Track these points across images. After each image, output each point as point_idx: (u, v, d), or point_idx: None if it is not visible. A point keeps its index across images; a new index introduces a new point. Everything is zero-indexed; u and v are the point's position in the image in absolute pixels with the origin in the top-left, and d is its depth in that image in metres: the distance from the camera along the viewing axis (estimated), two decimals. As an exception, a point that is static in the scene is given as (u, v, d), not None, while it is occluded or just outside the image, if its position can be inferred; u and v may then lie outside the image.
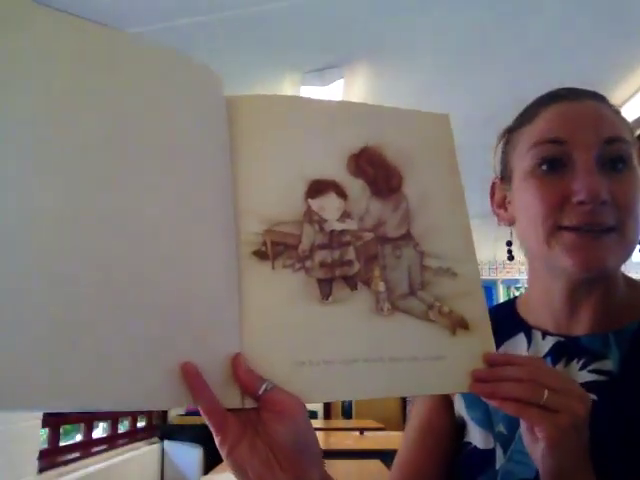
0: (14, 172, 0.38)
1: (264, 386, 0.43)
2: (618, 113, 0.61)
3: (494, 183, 0.70)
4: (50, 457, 2.66)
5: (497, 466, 0.60)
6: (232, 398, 0.43)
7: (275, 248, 0.48)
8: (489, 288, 5.95)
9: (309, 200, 0.50)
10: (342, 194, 0.52)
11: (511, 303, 0.72)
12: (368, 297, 0.49)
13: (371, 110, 0.57)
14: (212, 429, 0.43)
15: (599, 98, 0.62)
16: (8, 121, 0.38)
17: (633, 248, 0.58)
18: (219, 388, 0.42)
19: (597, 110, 0.59)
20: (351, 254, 0.51)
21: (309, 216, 0.50)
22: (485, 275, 5.88)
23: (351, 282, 0.50)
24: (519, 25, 2.26)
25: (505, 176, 0.66)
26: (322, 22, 2.16)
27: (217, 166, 0.48)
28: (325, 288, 0.49)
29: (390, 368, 0.48)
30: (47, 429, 2.72)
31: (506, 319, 0.69)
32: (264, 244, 0.48)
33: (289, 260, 0.48)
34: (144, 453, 3.66)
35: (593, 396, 0.56)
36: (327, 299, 0.48)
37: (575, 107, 0.60)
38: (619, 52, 2.51)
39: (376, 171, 0.54)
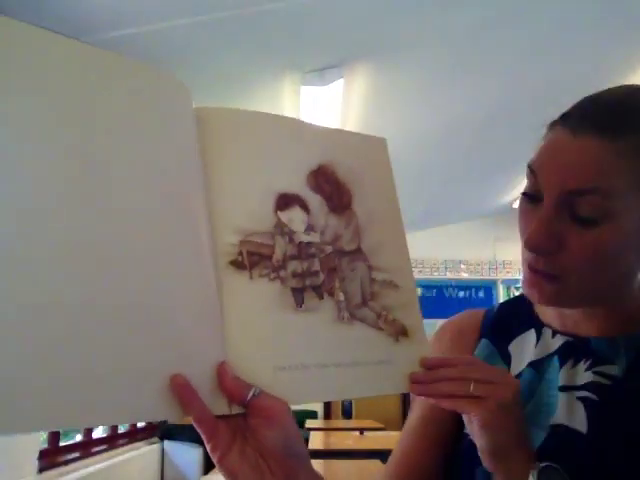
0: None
1: (251, 392, 0.45)
2: (623, 151, 0.53)
3: None
4: (50, 457, 2.66)
5: None
6: (220, 405, 0.44)
7: (251, 258, 0.50)
8: (489, 288, 5.95)
9: (278, 212, 0.53)
10: (305, 208, 0.55)
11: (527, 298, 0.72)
12: (332, 306, 0.53)
13: (321, 131, 0.60)
14: (203, 437, 0.44)
15: (608, 130, 0.53)
16: None
17: (585, 294, 0.57)
18: (206, 396, 0.43)
19: (581, 150, 0.54)
20: (316, 265, 0.54)
21: (280, 228, 0.52)
22: (485, 275, 5.89)
23: (319, 291, 0.53)
24: (519, 24, 2.26)
25: None
26: (322, 22, 2.16)
27: (190, 179, 0.49)
28: (298, 297, 0.52)
29: (352, 372, 0.53)
30: (47, 429, 2.72)
31: (521, 314, 0.69)
32: (240, 254, 0.49)
33: (265, 270, 0.50)
34: (144, 453, 3.66)
35: (594, 396, 0.57)
36: (300, 307, 0.51)
37: (564, 143, 0.55)
38: (619, 52, 2.51)
39: (331, 188, 0.57)
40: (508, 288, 5.89)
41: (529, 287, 0.58)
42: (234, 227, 0.50)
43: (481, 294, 5.94)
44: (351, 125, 3.02)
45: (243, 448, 0.44)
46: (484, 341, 0.69)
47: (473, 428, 0.52)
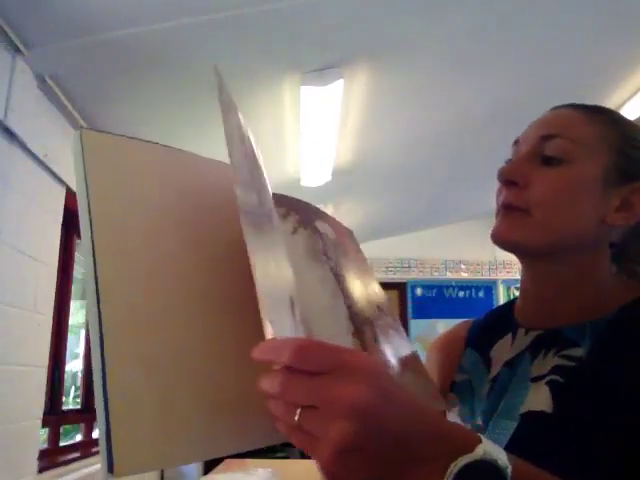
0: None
1: None
2: (590, 120, 0.64)
3: None
4: (50, 457, 2.66)
5: None
6: None
7: None
8: (489, 288, 5.95)
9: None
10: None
11: (510, 304, 0.74)
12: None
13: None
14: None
15: (580, 107, 0.66)
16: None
17: (549, 234, 0.61)
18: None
19: (554, 114, 0.66)
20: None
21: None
22: (485, 275, 5.88)
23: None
24: (519, 25, 2.26)
25: None
26: (322, 22, 2.16)
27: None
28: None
29: None
30: (47, 429, 2.72)
31: (502, 320, 0.72)
32: None
33: None
34: (144, 453, 3.65)
35: (559, 378, 0.59)
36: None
37: (542, 117, 0.67)
38: (618, 52, 2.51)
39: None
40: (508, 288, 5.89)
41: (500, 221, 0.64)
42: None
43: (481, 294, 5.94)
44: (351, 125, 3.02)
45: None
46: (468, 350, 0.72)
47: None
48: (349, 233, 0.75)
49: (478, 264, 5.89)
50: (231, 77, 2.55)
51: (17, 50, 2.08)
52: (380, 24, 2.18)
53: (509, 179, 0.63)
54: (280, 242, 0.53)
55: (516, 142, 0.67)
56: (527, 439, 0.57)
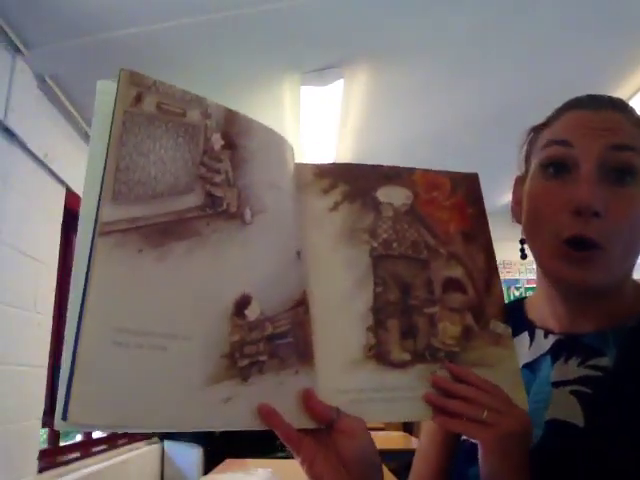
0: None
1: (335, 414, 0.51)
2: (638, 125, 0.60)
3: (517, 179, 0.71)
4: (50, 457, 2.66)
5: None
6: (304, 421, 0.51)
7: None
8: (489, 288, 5.95)
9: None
10: None
11: (520, 302, 0.74)
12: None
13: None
14: (292, 451, 0.51)
15: (620, 108, 0.61)
16: None
17: (621, 266, 0.58)
18: (292, 416, 0.50)
19: (610, 118, 0.59)
20: None
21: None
22: (485, 275, 5.88)
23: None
24: (519, 25, 2.26)
25: (526, 174, 0.68)
26: (322, 22, 2.16)
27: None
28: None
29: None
30: (47, 429, 2.72)
31: (514, 319, 0.70)
32: None
33: None
34: (144, 453, 3.66)
35: (587, 389, 0.58)
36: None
37: (590, 116, 0.60)
38: (619, 52, 2.51)
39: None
40: (508, 288, 5.89)
41: (581, 263, 0.55)
42: None
43: (481, 294, 5.93)
44: (351, 125, 3.02)
45: (327, 455, 0.51)
46: None
47: (479, 453, 0.52)
48: (458, 181, 0.68)
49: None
50: (231, 77, 2.55)
51: (17, 50, 2.08)
52: (380, 24, 2.18)
53: (594, 210, 0.54)
54: (231, 233, 0.51)
55: (566, 144, 0.59)
56: (556, 450, 0.57)
